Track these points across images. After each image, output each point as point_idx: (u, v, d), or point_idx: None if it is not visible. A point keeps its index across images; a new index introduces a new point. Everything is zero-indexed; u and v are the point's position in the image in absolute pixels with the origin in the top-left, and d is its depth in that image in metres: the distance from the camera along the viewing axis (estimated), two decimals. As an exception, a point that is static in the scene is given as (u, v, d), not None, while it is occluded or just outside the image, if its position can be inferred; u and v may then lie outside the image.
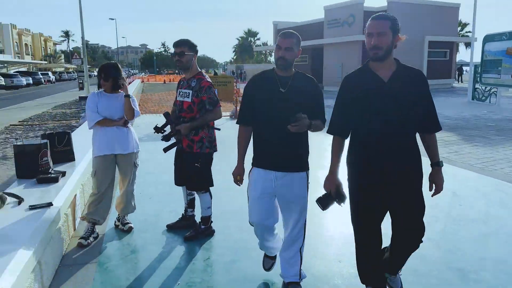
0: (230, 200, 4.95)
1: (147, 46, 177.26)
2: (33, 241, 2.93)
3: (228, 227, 4.30)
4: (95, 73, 70.52)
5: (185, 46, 3.73)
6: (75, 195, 4.40)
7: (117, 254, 3.74)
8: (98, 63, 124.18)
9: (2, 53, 54.52)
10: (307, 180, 2.91)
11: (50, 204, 3.46)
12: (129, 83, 32.61)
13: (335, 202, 2.63)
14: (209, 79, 3.80)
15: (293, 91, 2.74)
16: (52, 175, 4.18)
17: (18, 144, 4.32)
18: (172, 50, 3.95)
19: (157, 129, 3.80)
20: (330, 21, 30.45)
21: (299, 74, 2.83)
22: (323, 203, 2.63)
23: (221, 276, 3.34)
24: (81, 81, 36.39)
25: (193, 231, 4.03)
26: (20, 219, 3.21)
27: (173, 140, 3.81)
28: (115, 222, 4.39)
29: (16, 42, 63.68)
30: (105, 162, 4.02)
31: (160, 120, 4.35)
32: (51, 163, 4.51)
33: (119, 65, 4.04)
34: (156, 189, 5.68)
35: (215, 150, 3.93)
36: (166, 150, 3.78)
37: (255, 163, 2.93)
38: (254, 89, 2.88)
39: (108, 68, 3.94)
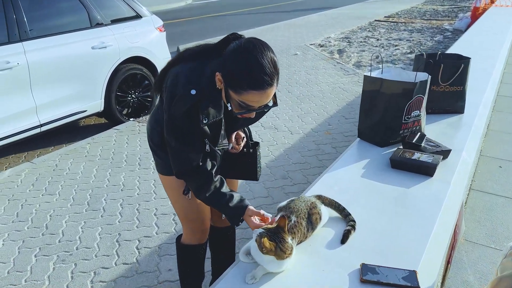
0: None
1: None
2: None
3: None
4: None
5: None
6: (460, 209, 2.06)
7: None
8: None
9: None
10: None
11: (414, 286, 1.27)
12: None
13: None
14: None
15: None
16: (426, 161, 1.94)
17: (373, 76, 2.23)
18: None
19: None
20: None
21: None
22: None
23: None
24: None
25: None
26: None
27: None
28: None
29: None
30: None
31: None
32: (423, 122, 2.27)
33: None
34: None
35: None
36: None
37: None
38: None
39: None
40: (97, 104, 4.42)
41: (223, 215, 1.49)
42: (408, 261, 1.38)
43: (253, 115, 1.39)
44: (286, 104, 4.96)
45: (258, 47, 1.24)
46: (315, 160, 3.56)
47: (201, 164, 1.42)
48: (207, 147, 1.44)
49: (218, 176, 1.48)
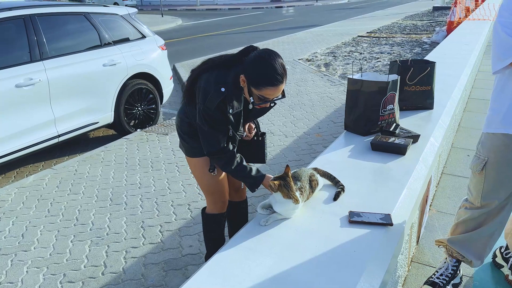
0: None
1: None
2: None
3: None
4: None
5: None
6: (430, 180, 2.54)
7: None
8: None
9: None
10: None
11: (388, 223, 1.73)
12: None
13: None
14: None
15: None
16: (399, 143, 2.41)
17: (354, 78, 2.72)
18: None
19: None
20: None
21: None
22: None
23: None
24: (436, -11, 32.71)
25: None
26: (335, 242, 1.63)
27: None
28: (494, 255, 2.33)
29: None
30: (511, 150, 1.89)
31: None
32: (397, 115, 2.75)
33: None
34: None
35: None
36: None
37: None
38: None
39: None
40: (107, 116, 4.85)
41: (242, 184, 1.94)
42: (384, 210, 1.83)
43: (268, 105, 1.86)
44: (279, 112, 5.44)
45: (271, 55, 1.73)
46: (308, 158, 4.02)
47: (226, 145, 1.87)
48: (230, 132, 1.89)
49: (238, 154, 1.93)
